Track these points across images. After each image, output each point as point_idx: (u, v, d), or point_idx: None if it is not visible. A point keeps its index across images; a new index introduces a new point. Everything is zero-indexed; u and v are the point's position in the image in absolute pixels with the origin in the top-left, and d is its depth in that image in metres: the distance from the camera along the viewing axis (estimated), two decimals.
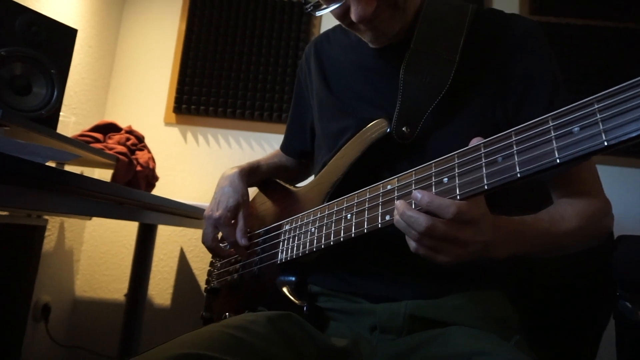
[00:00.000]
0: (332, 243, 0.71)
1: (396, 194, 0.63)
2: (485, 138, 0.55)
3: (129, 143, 1.74)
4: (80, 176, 0.88)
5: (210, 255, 1.05)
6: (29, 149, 0.88)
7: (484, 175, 0.53)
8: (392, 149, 0.75)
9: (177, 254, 2.17)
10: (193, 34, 2.28)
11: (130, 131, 1.81)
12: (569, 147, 0.46)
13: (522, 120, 0.52)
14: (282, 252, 0.83)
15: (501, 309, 0.75)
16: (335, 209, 0.73)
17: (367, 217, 0.66)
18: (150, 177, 1.81)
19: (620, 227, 0.94)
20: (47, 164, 0.89)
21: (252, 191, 1.05)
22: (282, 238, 0.85)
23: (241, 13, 2.28)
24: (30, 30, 1.23)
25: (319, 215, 0.77)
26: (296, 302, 0.77)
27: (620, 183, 1.99)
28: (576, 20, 2.13)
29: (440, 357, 0.63)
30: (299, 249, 0.79)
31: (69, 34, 1.34)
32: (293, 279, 0.83)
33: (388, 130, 0.74)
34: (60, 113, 1.33)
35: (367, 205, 0.67)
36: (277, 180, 1.02)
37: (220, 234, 0.92)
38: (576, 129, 0.46)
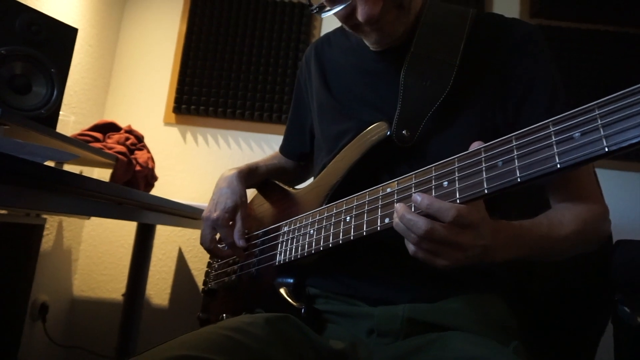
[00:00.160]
0: (330, 245, 0.71)
1: (396, 197, 0.62)
2: (485, 142, 0.55)
3: (128, 143, 1.74)
4: (79, 176, 0.88)
5: (208, 255, 1.05)
6: (27, 148, 0.88)
7: (484, 179, 0.53)
8: (392, 152, 0.75)
9: (175, 254, 2.16)
10: (193, 34, 2.28)
11: (129, 131, 1.81)
12: (570, 152, 0.46)
13: (522, 124, 0.52)
14: (280, 254, 0.83)
15: (500, 313, 0.74)
16: (335, 211, 0.73)
17: (367, 220, 0.66)
18: (149, 177, 1.81)
19: (619, 232, 0.94)
20: (46, 163, 0.89)
21: (251, 192, 1.05)
22: (281, 240, 0.85)
23: (242, 14, 2.28)
24: (31, 29, 1.22)
25: (317, 218, 0.77)
26: (294, 304, 0.77)
27: (620, 187, 1.99)
28: (576, 24, 2.13)
29: None
30: (298, 251, 0.78)
31: (69, 33, 1.34)
32: (291, 280, 0.83)
33: (388, 133, 0.74)
34: (60, 112, 1.33)
35: (366, 208, 0.67)
36: (276, 182, 1.02)
37: (218, 235, 0.92)
38: (577, 134, 0.46)
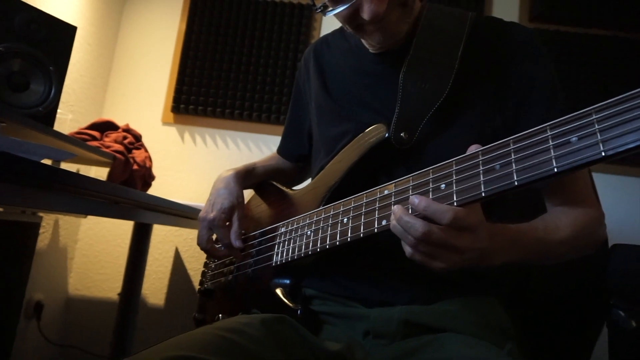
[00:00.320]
0: (327, 247, 0.71)
1: (393, 199, 0.63)
2: (483, 145, 0.55)
3: (126, 142, 1.73)
4: (76, 174, 0.88)
5: (205, 255, 1.05)
6: (24, 147, 0.87)
7: (482, 182, 0.53)
8: (390, 154, 0.75)
9: (172, 253, 2.16)
10: (193, 33, 2.28)
11: (127, 130, 1.81)
12: (567, 156, 0.46)
13: (520, 127, 0.52)
14: (277, 255, 0.83)
15: (496, 316, 0.75)
16: (332, 212, 0.73)
17: (364, 222, 0.66)
18: (146, 177, 1.80)
19: (615, 236, 0.94)
20: (42, 161, 0.89)
21: (249, 193, 1.04)
22: (278, 241, 0.85)
23: (241, 14, 2.28)
24: (30, 27, 1.22)
25: (315, 219, 0.77)
26: (290, 305, 0.77)
27: (616, 191, 2.00)
28: (575, 28, 2.14)
29: None
30: (295, 252, 0.78)
31: (68, 31, 1.34)
32: (288, 281, 0.83)
33: (386, 135, 0.74)
34: (58, 110, 1.33)
35: (363, 210, 0.67)
36: (274, 183, 1.02)
37: (214, 236, 0.91)
38: (574, 138, 0.46)
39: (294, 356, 0.62)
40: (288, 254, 0.80)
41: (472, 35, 0.77)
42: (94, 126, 1.74)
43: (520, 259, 0.66)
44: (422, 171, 0.61)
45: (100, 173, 1.95)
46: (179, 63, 2.26)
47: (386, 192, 0.64)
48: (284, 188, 0.98)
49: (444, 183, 0.57)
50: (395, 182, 0.64)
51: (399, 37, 0.78)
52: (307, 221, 0.78)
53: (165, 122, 2.25)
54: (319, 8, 0.74)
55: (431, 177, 0.59)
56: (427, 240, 0.55)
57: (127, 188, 1.15)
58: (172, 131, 2.25)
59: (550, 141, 0.48)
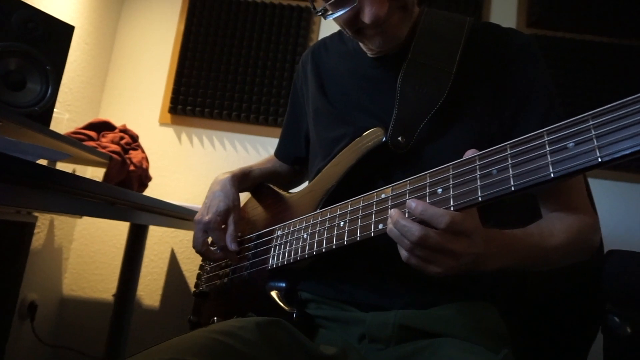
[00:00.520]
0: (324, 250, 0.71)
1: (390, 203, 0.63)
2: (479, 150, 0.55)
3: (122, 142, 1.73)
4: (72, 175, 0.87)
5: (201, 257, 1.04)
6: (19, 147, 0.87)
7: (478, 187, 0.53)
8: (387, 158, 0.75)
9: (167, 255, 2.15)
10: (191, 34, 2.28)
11: (124, 130, 1.80)
12: (564, 162, 0.46)
13: (517, 133, 0.53)
14: (273, 258, 0.83)
15: (491, 321, 0.74)
16: (329, 216, 0.73)
17: (360, 225, 0.66)
18: (143, 177, 1.80)
19: (611, 242, 0.95)
20: (38, 161, 0.88)
21: (245, 196, 1.04)
22: (274, 244, 0.84)
23: (240, 16, 2.28)
24: (27, 25, 1.22)
25: (311, 222, 0.76)
26: (285, 308, 0.77)
27: (612, 197, 2.00)
28: (572, 34, 2.15)
29: None
30: (291, 255, 0.78)
31: (66, 30, 1.33)
32: (283, 285, 0.82)
33: (384, 139, 0.74)
34: (54, 110, 1.32)
35: (360, 214, 0.67)
36: (270, 186, 1.02)
37: (210, 239, 0.91)
38: (571, 144, 0.46)
39: None
40: (284, 257, 0.80)
41: (470, 41, 0.78)
42: (90, 126, 1.73)
43: (515, 264, 0.66)
44: (419, 175, 0.61)
45: (96, 173, 1.94)
46: (176, 64, 2.26)
47: (383, 195, 0.64)
48: (280, 191, 0.98)
49: (441, 187, 0.57)
50: (392, 186, 0.64)
51: (399, 41, 0.78)
52: (304, 224, 0.78)
53: (162, 123, 2.25)
54: (320, 12, 0.74)
55: (428, 181, 0.59)
56: (424, 245, 0.55)
57: (123, 189, 1.15)
58: (169, 132, 2.24)
59: (547, 147, 0.48)
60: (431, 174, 0.59)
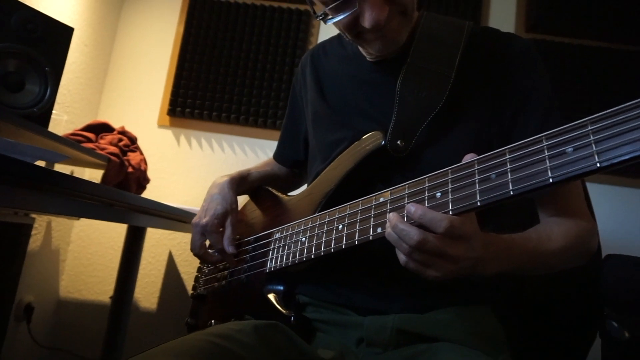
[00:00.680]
0: (322, 253, 0.71)
1: (389, 207, 0.62)
2: (478, 154, 0.55)
3: (121, 144, 1.72)
4: (69, 176, 0.87)
5: (199, 260, 1.04)
6: (18, 148, 0.87)
7: (477, 191, 0.53)
8: (386, 162, 0.75)
9: (165, 257, 2.14)
10: (191, 36, 2.28)
11: (123, 132, 1.80)
12: (562, 167, 0.46)
13: (516, 137, 0.53)
14: (271, 261, 0.83)
15: (489, 325, 0.74)
16: (327, 219, 0.73)
17: (359, 229, 0.66)
18: (141, 179, 1.80)
19: (609, 246, 0.95)
20: (36, 163, 0.88)
21: (244, 199, 1.04)
22: (272, 247, 0.84)
23: (239, 19, 2.29)
24: (26, 27, 1.22)
25: (310, 225, 0.76)
26: (283, 311, 0.76)
27: (610, 202, 2.01)
28: (571, 39, 2.16)
29: None
30: (289, 258, 0.78)
31: (65, 32, 1.33)
32: (281, 288, 0.82)
33: (383, 143, 0.74)
34: (53, 111, 1.32)
35: (359, 217, 0.67)
36: (269, 189, 1.02)
37: (208, 242, 0.91)
38: (570, 149, 0.46)
39: None
40: (282, 260, 0.79)
41: (470, 45, 0.78)
42: (89, 128, 1.73)
43: (513, 268, 0.66)
44: (418, 179, 0.61)
45: (94, 175, 1.93)
46: (175, 66, 2.26)
47: (382, 199, 0.64)
48: (279, 194, 0.98)
49: (440, 191, 0.57)
50: (390, 190, 0.64)
51: (399, 45, 0.78)
52: (302, 227, 0.78)
53: (161, 125, 2.25)
54: (320, 16, 0.74)
55: (427, 185, 0.59)
56: (422, 249, 0.55)
57: (121, 191, 1.14)
58: (168, 134, 2.24)
59: (545, 151, 0.48)
60: (430, 178, 0.59)
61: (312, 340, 0.76)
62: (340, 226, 0.69)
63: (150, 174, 1.89)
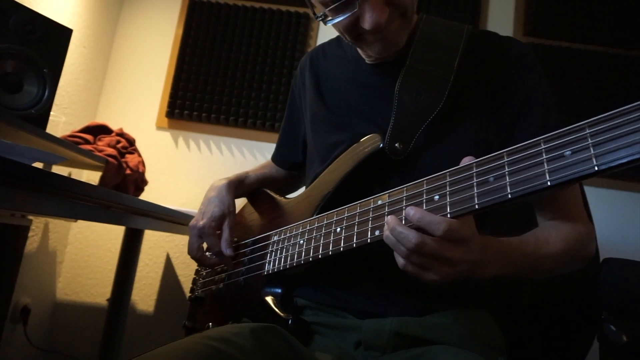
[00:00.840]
0: (320, 256, 0.71)
1: (387, 210, 0.62)
2: (477, 157, 0.55)
3: (119, 146, 1.72)
4: (67, 178, 0.87)
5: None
6: (15, 149, 0.86)
7: (475, 194, 0.53)
8: (384, 165, 0.75)
9: (163, 259, 2.14)
10: (189, 39, 2.28)
11: (121, 134, 1.80)
12: (560, 170, 0.46)
13: (514, 140, 0.53)
14: (269, 264, 0.82)
15: (487, 329, 0.74)
16: (325, 222, 0.73)
17: (357, 232, 0.65)
18: (139, 181, 1.79)
19: (607, 250, 0.95)
20: (34, 164, 0.88)
21: (242, 202, 1.04)
22: (270, 249, 0.84)
23: (239, 21, 2.29)
24: (25, 28, 1.22)
25: (308, 228, 0.76)
26: (281, 314, 0.76)
27: (608, 205, 2.01)
28: (569, 43, 2.16)
29: None
30: (287, 261, 0.78)
31: (64, 33, 1.33)
32: (279, 290, 0.82)
33: (381, 145, 0.74)
34: (51, 113, 1.32)
35: (357, 220, 0.67)
36: (267, 191, 1.01)
37: (205, 244, 0.91)
38: (568, 152, 0.46)
39: None
40: (280, 263, 0.79)
41: (469, 48, 0.78)
42: (87, 129, 1.72)
43: (511, 271, 0.66)
44: (416, 182, 0.61)
45: (92, 177, 1.93)
46: (174, 68, 2.26)
47: (380, 202, 0.64)
48: (277, 196, 0.97)
49: (438, 194, 0.57)
50: (389, 193, 0.64)
51: (398, 48, 0.78)
52: (300, 230, 0.78)
53: (159, 127, 2.25)
54: (319, 17, 0.74)
55: (425, 188, 0.59)
56: (420, 252, 0.55)
57: (119, 193, 1.14)
58: (166, 136, 2.24)
59: (544, 154, 0.48)
60: (428, 181, 0.59)
61: (310, 343, 0.75)
62: (339, 229, 0.69)
63: (148, 176, 1.88)
